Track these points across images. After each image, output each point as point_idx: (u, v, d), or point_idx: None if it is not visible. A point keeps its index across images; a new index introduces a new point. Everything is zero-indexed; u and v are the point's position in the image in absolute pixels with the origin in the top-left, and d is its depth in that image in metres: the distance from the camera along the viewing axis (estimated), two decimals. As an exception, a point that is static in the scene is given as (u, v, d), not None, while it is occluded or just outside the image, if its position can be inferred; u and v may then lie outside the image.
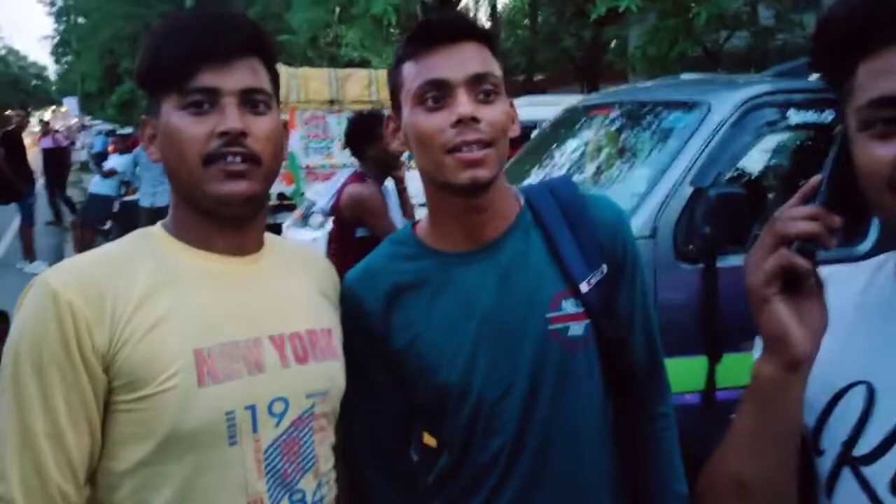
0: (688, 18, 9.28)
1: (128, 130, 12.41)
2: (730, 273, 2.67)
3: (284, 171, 8.78)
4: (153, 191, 8.56)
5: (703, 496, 0.90)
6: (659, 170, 2.89)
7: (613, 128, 3.54)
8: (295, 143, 8.31)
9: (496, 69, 1.14)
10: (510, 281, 1.16)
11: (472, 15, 23.35)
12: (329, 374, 1.13)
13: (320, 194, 3.99)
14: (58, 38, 37.96)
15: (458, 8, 18.46)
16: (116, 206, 9.48)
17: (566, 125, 3.91)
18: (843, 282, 0.88)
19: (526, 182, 3.58)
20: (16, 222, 9.74)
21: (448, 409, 1.18)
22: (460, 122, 1.08)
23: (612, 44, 15.63)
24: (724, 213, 2.63)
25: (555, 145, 3.82)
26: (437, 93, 1.10)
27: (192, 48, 1.01)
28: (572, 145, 3.68)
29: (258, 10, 15.88)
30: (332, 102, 9.85)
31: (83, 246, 9.24)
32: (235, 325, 1.04)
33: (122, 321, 0.97)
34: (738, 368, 2.71)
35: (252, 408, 1.03)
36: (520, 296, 1.16)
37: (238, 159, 1.02)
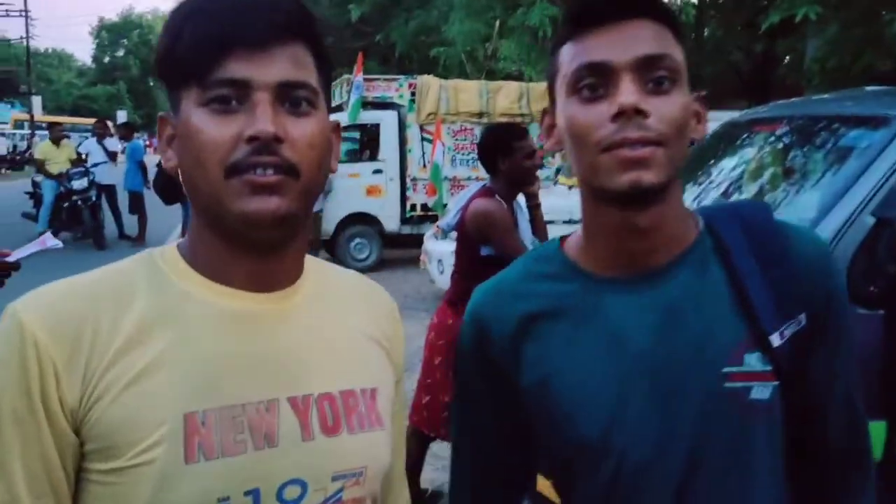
0: (877, 27, 8.35)
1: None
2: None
3: (428, 183, 8.78)
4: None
5: None
6: (833, 195, 2.45)
7: (780, 145, 3.09)
8: (440, 154, 8.28)
9: (676, 52, 0.91)
10: (677, 321, 0.92)
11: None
12: (367, 448, 0.88)
13: (448, 209, 3.81)
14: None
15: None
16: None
17: (725, 141, 3.49)
18: None
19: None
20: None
21: (582, 470, 0.96)
22: (622, 115, 0.86)
23: (787, 58, 14.53)
24: (916, 250, 2.19)
25: (711, 163, 3.41)
26: (596, 79, 0.89)
27: (217, 30, 0.79)
28: (730, 164, 3.26)
29: (417, 22, 16.16)
30: (481, 115, 9.77)
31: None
32: (246, 381, 0.82)
33: (100, 369, 0.77)
34: (925, 439, 2.29)
35: (254, 493, 0.80)
36: (687, 340, 0.92)
37: (270, 171, 0.79)
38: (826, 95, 3.77)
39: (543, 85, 8.87)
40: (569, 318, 0.97)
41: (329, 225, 9.31)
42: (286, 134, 0.80)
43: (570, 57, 0.92)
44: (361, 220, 9.45)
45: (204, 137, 0.80)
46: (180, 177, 0.85)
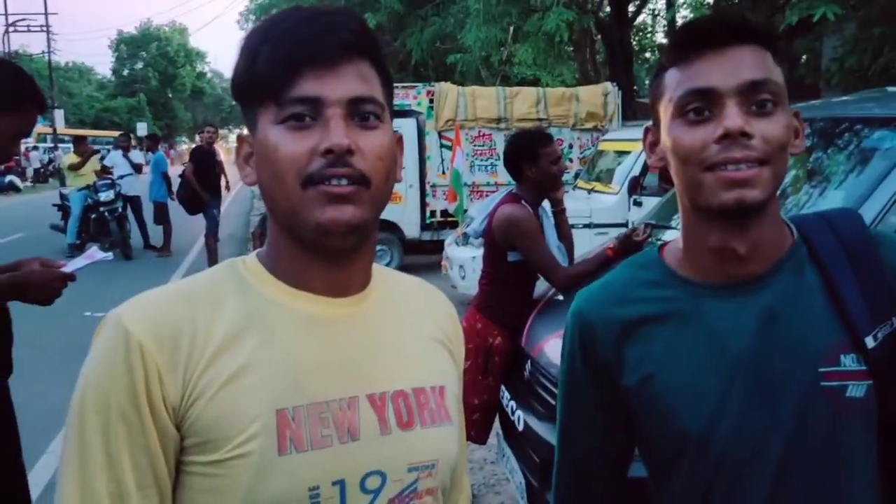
0: (896, 26, 8.32)
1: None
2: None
3: (448, 189, 8.85)
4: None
5: None
6: (856, 198, 2.49)
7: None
8: (460, 160, 8.35)
9: (776, 76, 0.97)
10: (775, 325, 0.99)
11: (649, 30, 22.66)
12: (438, 442, 0.95)
13: (474, 214, 3.88)
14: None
15: (636, 23, 17.91)
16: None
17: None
18: None
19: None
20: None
21: (682, 463, 1.03)
22: (727, 137, 0.92)
23: (803, 58, 14.48)
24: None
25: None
26: (702, 103, 0.95)
27: (290, 51, 0.85)
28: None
29: (433, 29, 16.26)
30: (499, 120, 9.83)
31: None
32: (329, 380, 0.89)
33: (198, 370, 0.84)
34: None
35: (341, 483, 0.86)
36: (786, 343, 0.98)
37: (344, 181, 0.85)
38: (847, 97, 3.80)
39: (560, 90, 8.82)
40: (671, 322, 1.03)
41: (351, 232, 9.37)
42: (357, 146, 0.86)
43: (676, 81, 0.98)
44: (382, 227, 9.48)
45: (282, 153, 0.86)
46: (260, 191, 0.93)
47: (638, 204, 7.09)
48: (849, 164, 2.79)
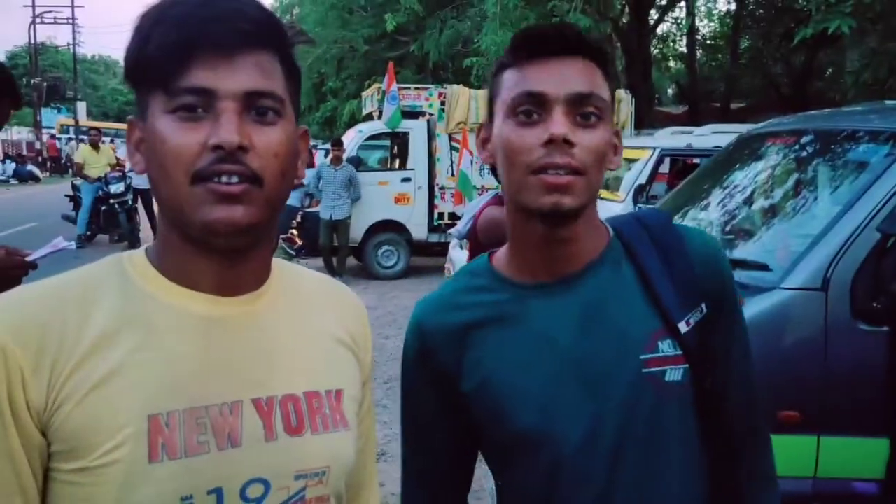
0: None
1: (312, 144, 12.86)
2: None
3: (454, 191, 8.82)
4: (332, 204, 8.97)
5: None
6: (840, 209, 2.43)
7: (791, 157, 3.07)
8: (467, 162, 8.31)
9: (603, 91, 1.02)
10: (597, 317, 1.04)
11: (672, 39, 22.50)
12: (332, 448, 0.91)
13: (462, 218, 3.84)
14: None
15: (660, 33, 17.82)
16: (300, 217, 9.99)
17: (738, 154, 3.47)
18: None
19: (683, 217, 3.21)
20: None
21: (523, 460, 1.05)
22: (551, 143, 0.97)
23: (828, 72, 14.32)
24: (920, 266, 2.15)
25: (723, 177, 3.40)
26: (532, 107, 1.00)
27: (182, 37, 0.80)
28: (740, 177, 3.24)
29: (451, 32, 16.24)
30: (510, 124, 9.78)
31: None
32: (210, 383, 0.85)
33: (65, 373, 0.79)
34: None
35: (217, 491, 0.82)
36: (608, 334, 1.03)
37: (234, 179, 0.81)
38: (848, 108, 3.73)
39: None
40: (500, 325, 1.07)
41: (357, 232, 9.39)
42: (251, 143, 0.82)
43: (511, 83, 1.02)
44: (389, 228, 9.53)
45: (169, 145, 0.81)
46: (150, 183, 0.88)
47: (643, 212, 7.01)
48: (836, 177, 2.73)
